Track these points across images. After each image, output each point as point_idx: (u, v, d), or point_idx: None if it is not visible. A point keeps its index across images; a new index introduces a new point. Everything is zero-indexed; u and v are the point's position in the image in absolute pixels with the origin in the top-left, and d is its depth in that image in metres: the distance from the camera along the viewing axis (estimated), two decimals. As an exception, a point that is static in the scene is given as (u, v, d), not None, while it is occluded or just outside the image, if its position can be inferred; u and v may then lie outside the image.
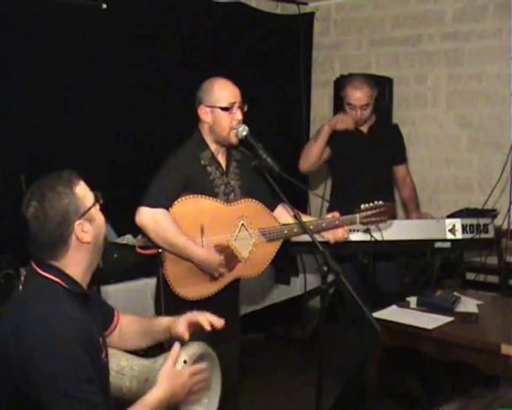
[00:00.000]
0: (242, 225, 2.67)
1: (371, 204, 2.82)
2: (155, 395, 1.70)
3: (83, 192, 1.71)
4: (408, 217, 3.88)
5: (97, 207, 1.75)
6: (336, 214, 2.79)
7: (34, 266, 1.70)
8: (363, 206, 2.82)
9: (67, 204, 1.66)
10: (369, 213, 2.82)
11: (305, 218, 2.79)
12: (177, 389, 1.74)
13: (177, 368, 1.77)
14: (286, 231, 2.72)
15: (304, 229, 2.54)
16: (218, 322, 1.95)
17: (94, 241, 1.71)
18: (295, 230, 2.69)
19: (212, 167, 2.65)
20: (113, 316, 2.00)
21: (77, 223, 1.66)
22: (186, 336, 1.90)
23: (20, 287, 1.72)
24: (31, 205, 1.65)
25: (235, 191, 2.70)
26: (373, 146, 3.67)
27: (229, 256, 2.64)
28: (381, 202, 2.84)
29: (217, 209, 2.61)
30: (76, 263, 1.70)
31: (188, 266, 2.58)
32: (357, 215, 2.80)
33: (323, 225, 2.77)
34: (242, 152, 2.76)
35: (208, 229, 2.58)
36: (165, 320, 1.99)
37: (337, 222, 2.77)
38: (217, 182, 2.65)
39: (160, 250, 2.55)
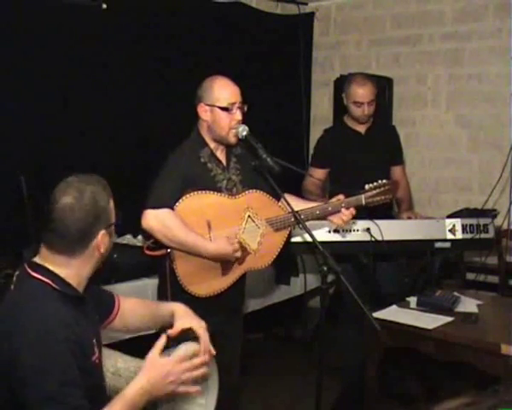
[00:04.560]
0: (249, 216, 2.64)
1: (375, 183, 2.82)
2: (135, 386, 1.63)
3: (113, 206, 1.75)
4: (399, 217, 3.82)
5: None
6: (341, 197, 2.77)
7: (25, 267, 1.70)
8: (367, 186, 2.81)
9: (103, 209, 1.69)
10: (373, 192, 2.81)
11: (310, 204, 2.80)
12: (158, 378, 1.64)
13: (160, 357, 1.68)
14: (292, 219, 2.66)
15: (311, 216, 2.65)
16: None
17: (104, 254, 1.74)
18: (302, 216, 2.62)
19: (212, 164, 2.62)
20: (114, 304, 1.98)
21: (102, 232, 1.68)
22: (172, 334, 1.86)
23: (12, 287, 1.71)
24: (69, 194, 1.65)
25: (236, 186, 2.67)
26: (370, 147, 3.65)
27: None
28: (384, 181, 2.85)
29: (222, 203, 2.58)
30: (83, 267, 1.71)
31: (198, 262, 2.54)
32: (362, 196, 2.79)
33: (329, 208, 2.75)
34: (241, 147, 2.73)
35: (215, 224, 2.55)
36: (172, 306, 1.98)
37: (343, 204, 2.75)
38: (218, 177, 2.62)
39: (168, 250, 2.51)
